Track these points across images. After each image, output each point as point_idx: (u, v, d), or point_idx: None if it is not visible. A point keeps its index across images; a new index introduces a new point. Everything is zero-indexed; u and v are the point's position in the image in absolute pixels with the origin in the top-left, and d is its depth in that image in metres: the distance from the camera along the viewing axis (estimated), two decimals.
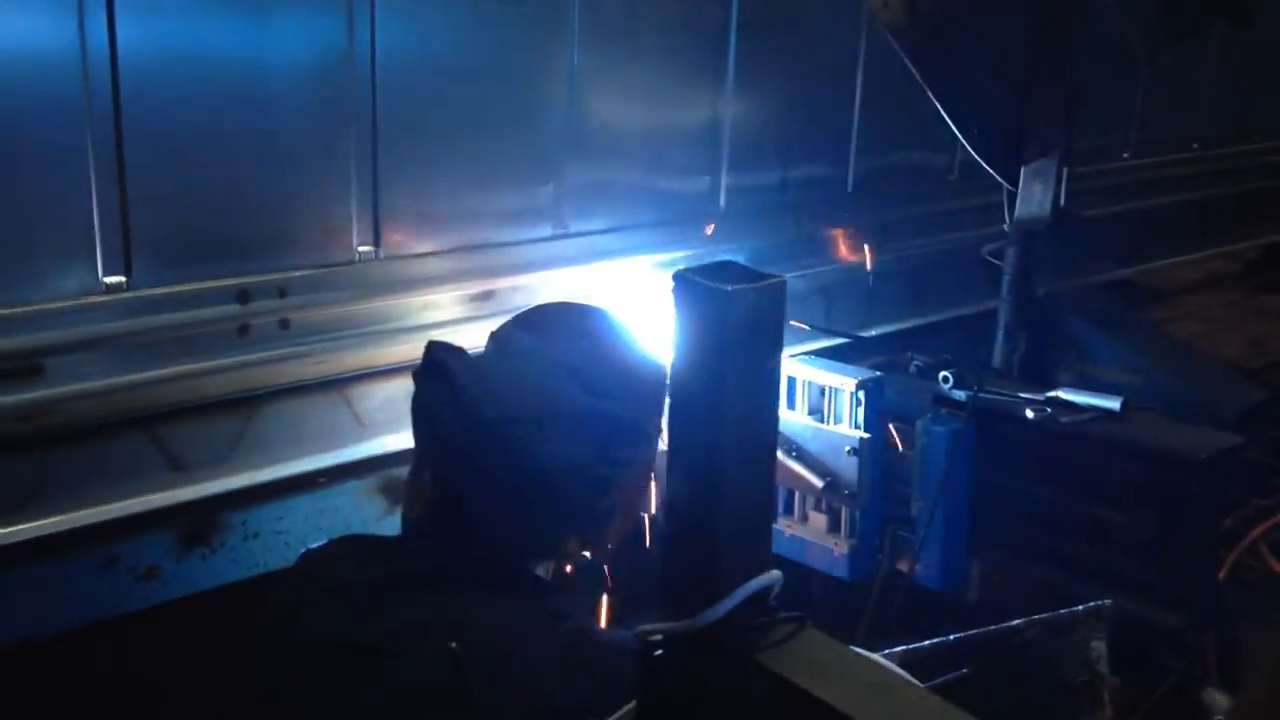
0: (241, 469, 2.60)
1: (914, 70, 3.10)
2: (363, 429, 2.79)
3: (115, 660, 2.45)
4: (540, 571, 1.85)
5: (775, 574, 1.35)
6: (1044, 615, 2.00)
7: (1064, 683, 2.03)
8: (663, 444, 2.42)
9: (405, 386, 2.85)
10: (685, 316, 1.32)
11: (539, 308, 2.00)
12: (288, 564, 2.62)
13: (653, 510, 2.24)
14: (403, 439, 2.82)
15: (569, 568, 1.88)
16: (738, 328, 1.28)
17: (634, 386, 1.83)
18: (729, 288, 1.27)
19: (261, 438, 2.63)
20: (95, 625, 2.39)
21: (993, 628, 1.99)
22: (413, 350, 2.83)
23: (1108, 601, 2.05)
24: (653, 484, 2.04)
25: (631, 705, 1.39)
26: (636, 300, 2.85)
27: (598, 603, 2.24)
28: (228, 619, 2.43)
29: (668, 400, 1.39)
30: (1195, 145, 5.15)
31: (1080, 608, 2.02)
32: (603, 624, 2.23)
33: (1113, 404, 2.52)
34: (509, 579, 1.78)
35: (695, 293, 1.30)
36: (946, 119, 3.17)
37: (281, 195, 2.62)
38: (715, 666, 1.31)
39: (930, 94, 3.11)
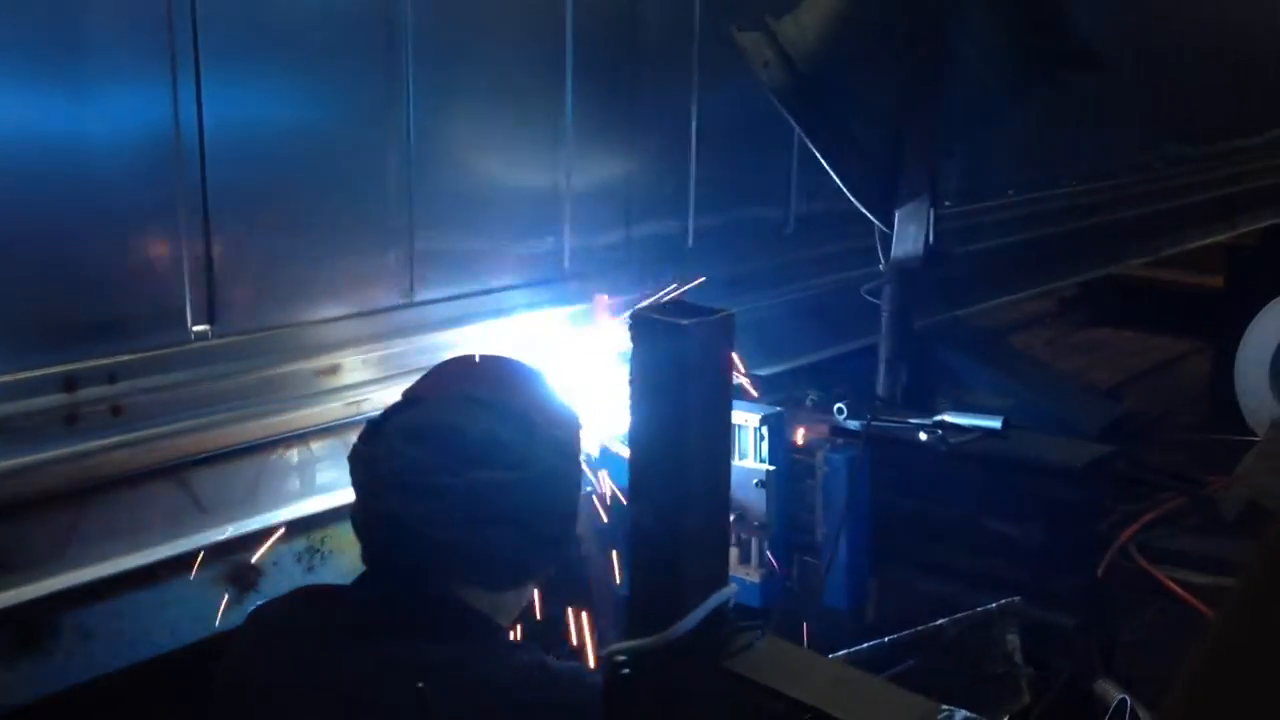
0: (72, 567, 2.44)
1: (795, 124, 3.28)
2: (205, 515, 2.66)
3: None
4: (484, 609, 1.82)
5: (733, 586, 1.42)
6: (963, 614, 2.10)
7: (986, 674, 2.16)
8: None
9: (249, 468, 2.74)
10: (643, 352, 1.41)
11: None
12: (128, 664, 2.46)
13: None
14: (249, 523, 2.70)
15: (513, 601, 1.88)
16: (694, 359, 1.38)
17: (518, 403, 1.86)
18: (684, 322, 1.38)
19: (94, 532, 2.48)
20: None
21: (921, 628, 2.08)
22: (255, 430, 2.72)
23: (1018, 599, 2.15)
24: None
25: None
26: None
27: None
28: None
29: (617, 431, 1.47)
30: (1010, 191, 5.43)
31: (994, 605, 2.15)
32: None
33: (994, 423, 2.67)
34: (457, 618, 1.77)
35: (652, 329, 1.40)
36: (827, 168, 3.34)
37: (109, 274, 2.50)
38: (686, 677, 1.33)
39: (810, 145, 3.29)
